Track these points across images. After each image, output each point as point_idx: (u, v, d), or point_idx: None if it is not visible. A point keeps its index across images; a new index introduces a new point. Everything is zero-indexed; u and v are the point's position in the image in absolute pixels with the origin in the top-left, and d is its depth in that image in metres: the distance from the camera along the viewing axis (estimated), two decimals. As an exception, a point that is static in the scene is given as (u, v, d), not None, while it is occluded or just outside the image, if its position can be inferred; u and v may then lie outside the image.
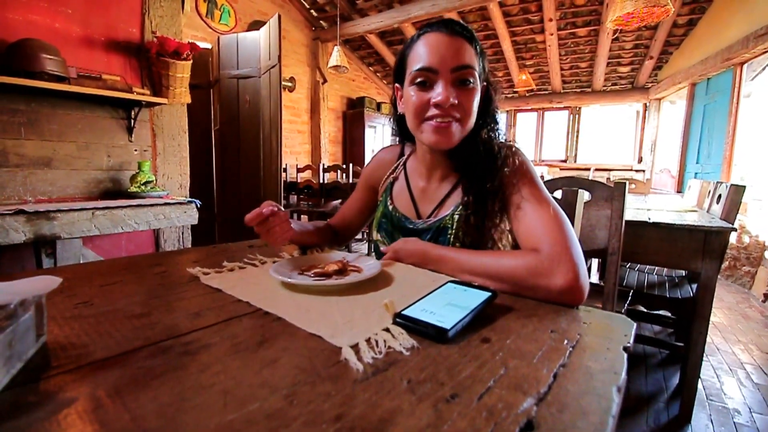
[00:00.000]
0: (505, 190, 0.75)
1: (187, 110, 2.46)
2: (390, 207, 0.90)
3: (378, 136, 6.36)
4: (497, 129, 0.83)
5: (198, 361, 0.37)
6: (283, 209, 0.78)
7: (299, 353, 0.39)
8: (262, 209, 0.71)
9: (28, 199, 1.87)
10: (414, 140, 0.90)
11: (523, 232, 0.70)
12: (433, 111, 0.73)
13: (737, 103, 3.61)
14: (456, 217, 0.79)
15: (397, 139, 0.98)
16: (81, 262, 1.85)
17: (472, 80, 0.74)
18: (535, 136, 6.82)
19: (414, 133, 0.80)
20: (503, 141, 0.82)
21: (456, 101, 0.72)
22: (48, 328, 0.42)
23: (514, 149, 0.79)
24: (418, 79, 0.74)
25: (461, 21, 0.77)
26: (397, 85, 0.85)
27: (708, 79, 4.20)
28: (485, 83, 0.81)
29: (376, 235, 0.92)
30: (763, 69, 3.47)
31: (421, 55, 0.74)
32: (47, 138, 1.92)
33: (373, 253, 0.95)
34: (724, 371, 1.85)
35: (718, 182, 1.80)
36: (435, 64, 0.72)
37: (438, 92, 0.72)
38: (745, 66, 3.58)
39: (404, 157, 0.95)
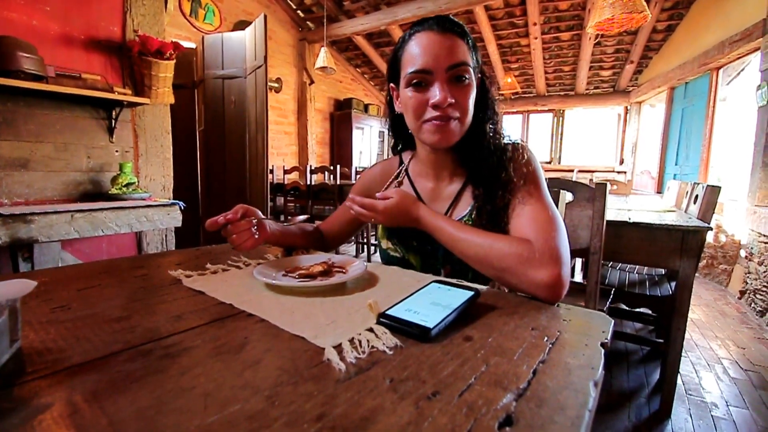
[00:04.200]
0: (514, 183, 0.75)
1: (170, 111, 2.42)
2: None
3: (365, 137, 6.36)
4: (497, 120, 0.82)
5: (179, 364, 0.37)
6: (258, 213, 0.76)
7: (282, 354, 0.39)
8: (218, 217, 0.70)
9: (4, 202, 1.81)
10: (410, 140, 0.89)
11: (520, 225, 0.69)
12: (431, 112, 0.73)
13: (713, 107, 3.73)
14: (474, 216, 0.78)
15: (390, 153, 0.97)
16: (59, 266, 1.80)
17: (467, 76, 0.73)
18: (521, 139, 6.90)
19: (414, 134, 0.80)
20: (511, 139, 0.82)
21: (453, 100, 0.72)
22: (23, 333, 0.41)
23: (521, 145, 0.80)
24: (414, 81, 0.74)
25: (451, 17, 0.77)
26: (392, 85, 0.84)
27: (686, 83, 4.33)
28: (480, 75, 0.80)
29: (387, 243, 0.89)
30: (738, 74, 3.59)
31: (414, 57, 0.73)
32: (24, 139, 1.86)
33: (362, 256, 0.94)
34: (703, 366, 1.90)
35: (695, 183, 1.85)
36: (429, 66, 0.71)
37: (435, 93, 0.71)
38: (721, 71, 3.70)
39: (405, 163, 0.93)
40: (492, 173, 0.76)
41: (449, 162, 0.84)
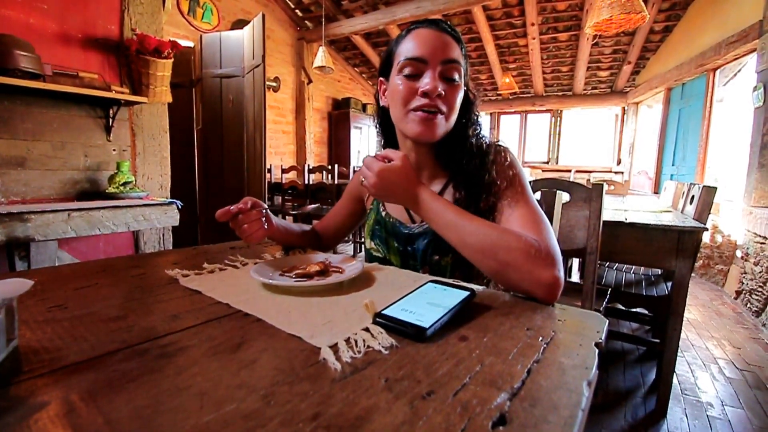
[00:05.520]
0: (497, 186, 0.75)
1: (168, 109, 2.42)
2: (383, 213, 0.89)
3: (363, 137, 6.36)
4: (480, 130, 0.83)
5: (175, 364, 0.37)
6: (265, 206, 0.77)
7: (278, 354, 0.39)
8: (231, 206, 0.71)
9: (0, 200, 1.81)
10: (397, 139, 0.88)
11: (512, 227, 0.68)
12: (420, 101, 0.73)
13: (710, 108, 3.74)
14: None
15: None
16: (56, 265, 1.80)
17: (458, 77, 0.74)
18: (518, 138, 6.93)
19: (398, 124, 0.79)
20: (491, 141, 0.83)
21: (443, 92, 0.72)
22: (20, 332, 0.41)
23: (503, 148, 0.80)
24: (407, 69, 0.74)
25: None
26: (381, 79, 0.84)
27: (683, 84, 4.34)
28: (465, 87, 0.81)
29: (369, 243, 0.90)
30: (735, 75, 3.61)
31: (410, 47, 0.74)
32: (21, 137, 1.86)
33: (360, 255, 0.95)
34: (698, 366, 1.91)
35: (691, 184, 1.86)
36: (425, 55, 0.72)
37: (427, 81, 0.72)
38: (717, 72, 3.72)
39: None
40: (475, 175, 0.76)
41: (429, 163, 0.84)
